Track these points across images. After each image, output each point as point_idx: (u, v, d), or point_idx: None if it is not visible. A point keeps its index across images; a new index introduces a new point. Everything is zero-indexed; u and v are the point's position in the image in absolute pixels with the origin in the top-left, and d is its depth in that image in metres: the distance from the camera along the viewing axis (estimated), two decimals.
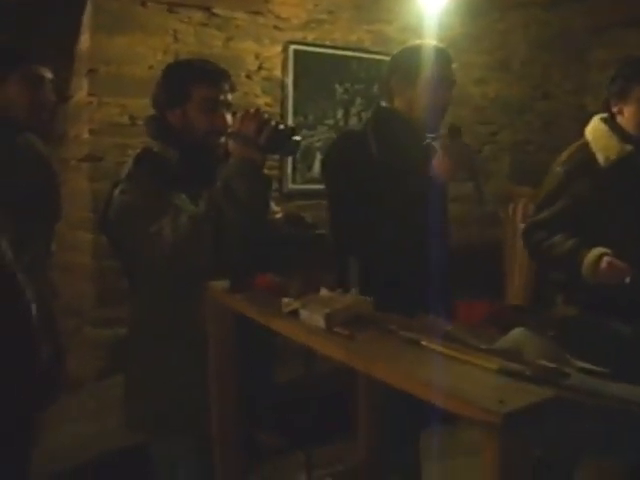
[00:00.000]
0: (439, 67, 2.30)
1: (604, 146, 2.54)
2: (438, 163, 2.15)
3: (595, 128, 2.62)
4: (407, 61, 2.33)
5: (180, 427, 2.06)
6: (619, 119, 2.55)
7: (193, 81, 2.05)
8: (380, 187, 2.13)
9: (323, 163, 2.50)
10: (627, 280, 2.29)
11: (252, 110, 2.02)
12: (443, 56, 2.34)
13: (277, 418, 3.38)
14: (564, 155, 2.66)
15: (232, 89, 2.15)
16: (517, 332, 1.39)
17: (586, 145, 2.60)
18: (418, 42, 2.41)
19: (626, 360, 2.27)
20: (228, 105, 2.11)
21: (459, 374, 1.23)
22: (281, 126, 1.99)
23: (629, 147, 2.50)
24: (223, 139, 2.07)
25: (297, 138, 2.02)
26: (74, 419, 2.37)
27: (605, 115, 2.62)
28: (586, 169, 2.54)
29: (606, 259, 2.33)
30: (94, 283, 3.60)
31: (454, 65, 2.38)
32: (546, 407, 1.11)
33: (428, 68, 2.28)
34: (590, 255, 2.37)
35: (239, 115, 1.98)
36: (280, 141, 1.97)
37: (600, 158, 2.53)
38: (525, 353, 1.31)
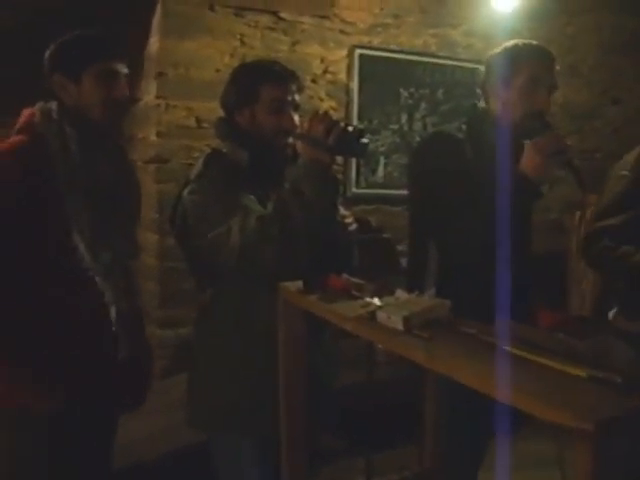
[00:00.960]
0: (537, 69, 2.17)
1: None
2: (526, 158, 2.05)
3: None
4: (502, 62, 2.22)
5: (243, 427, 2.07)
6: None
7: (261, 81, 2.07)
8: (472, 189, 2.07)
9: (411, 162, 2.42)
10: None
11: (321, 112, 2.02)
12: (543, 57, 2.22)
13: (339, 422, 3.38)
14: (630, 157, 2.55)
15: (300, 90, 2.15)
16: (601, 339, 1.35)
17: None
18: (516, 41, 2.27)
19: None
20: (296, 106, 2.12)
21: (545, 379, 1.20)
22: (350, 128, 1.98)
23: None
24: (291, 140, 2.08)
25: (365, 140, 2.01)
26: (140, 417, 2.39)
27: None
28: None
29: None
30: (159, 284, 3.65)
31: (557, 68, 2.25)
32: (638, 414, 1.07)
33: (524, 69, 2.16)
34: None
35: (309, 117, 1.98)
36: (348, 142, 1.96)
37: None
38: (612, 361, 1.27)
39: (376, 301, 1.50)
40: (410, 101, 4.07)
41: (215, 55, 3.69)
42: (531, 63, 2.17)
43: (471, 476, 2.44)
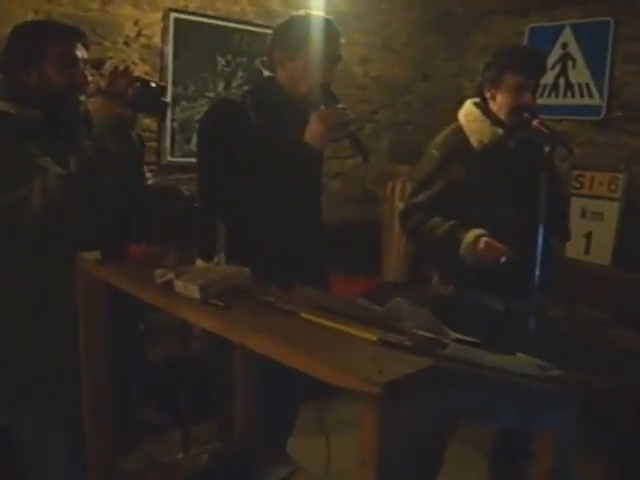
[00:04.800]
0: (323, 41, 2.22)
1: (477, 130, 2.60)
2: (311, 128, 2.13)
3: (468, 112, 2.68)
4: (289, 33, 2.25)
5: (46, 400, 2.00)
6: (491, 104, 2.62)
7: (47, 39, 1.99)
8: (255, 155, 2.09)
9: (199, 127, 2.39)
10: (502, 260, 2.36)
11: (121, 67, 1.97)
12: (329, 29, 2.26)
13: (156, 396, 3.31)
14: (439, 138, 2.70)
15: (87, 47, 2.09)
16: (395, 303, 1.39)
17: (460, 129, 2.66)
18: (303, 13, 2.31)
19: (499, 334, 2.36)
20: (84, 62, 2.06)
21: (338, 345, 1.22)
22: (152, 84, 2.00)
23: (500, 131, 2.58)
24: (82, 97, 2.04)
25: (166, 100, 2.02)
26: None
27: (477, 100, 2.69)
28: (460, 152, 2.60)
29: (484, 240, 2.39)
30: None
31: (342, 40, 2.31)
32: (425, 376, 1.11)
33: (311, 41, 2.20)
34: (468, 236, 2.43)
35: (108, 71, 1.93)
36: (150, 99, 1.98)
37: (473, 141, 2.59)
38: (403, 323, 1.32)
39: (175, 270, 1.46)
40: (227, 69, 4.00)
41: (18, 10, 3.42)
42: (316, 35, 2.21)
43: (281, 441, 2.48)
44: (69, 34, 2.03)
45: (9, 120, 1.91)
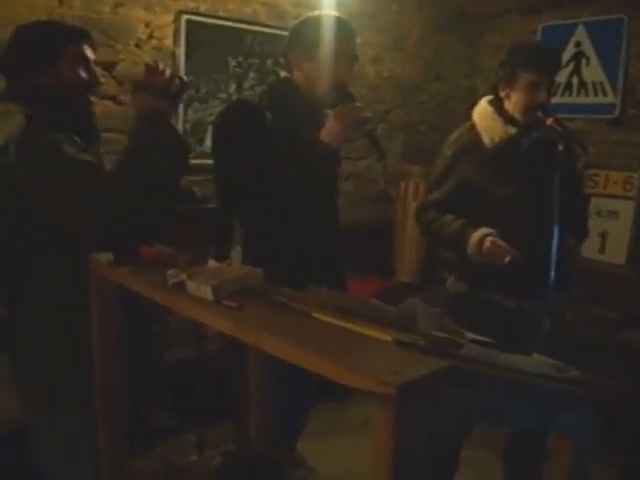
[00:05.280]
0: (339, 41, 2.21)
1: (489, 128, 2.59)
2: (328, 127, 2.13)
3: (482, 110, 2.67)
4: (305, 33, 2.24)
5: (65, 402, 1.99)
6: (506, 103, 2.61)
7: (61, 39, 1.98)
8: (272, 155, 2.09)
9: (214, 128, 2.39)
10: (507, 260, 2.35)
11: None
12: (345, 29, 2.25)
13: (170, 399, 3.31)
14: (452, 137, 2.71)
15: (94, 48, 2.09)
16: (410, 303, 1.38)
17: (473, 127, 2.65)
18: (318, 13, 2.30)
19: (511, 333, 2.34)
20: (94, 62, 2.07)
21: (352, 346, 1.21)
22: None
23: (513, 130, 2.57)
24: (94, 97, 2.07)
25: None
26: None
27: (491, 98, 2.68)
28: (472, 150, 2.59)
29: (489, 239, 2.38)
30: None
31: (357, 40, 2.29)
32: (440, 377, 1.10)
33: (327, 42, 2.19)
34: (475, 235, 2.43)
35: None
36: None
37: (485, 140, 2.58)
38: (418, 324, 1.30)
39: (187, 270, 1.45)
40: (239, 70, 4.00)
41: (29, 14, 3.43)
42: (333, 35, 2.20)
43: (292, 443, 2.48)
44: (79, 34, 2.03)
45: (41, 125, 1.84)
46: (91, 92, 2.04)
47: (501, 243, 2.37)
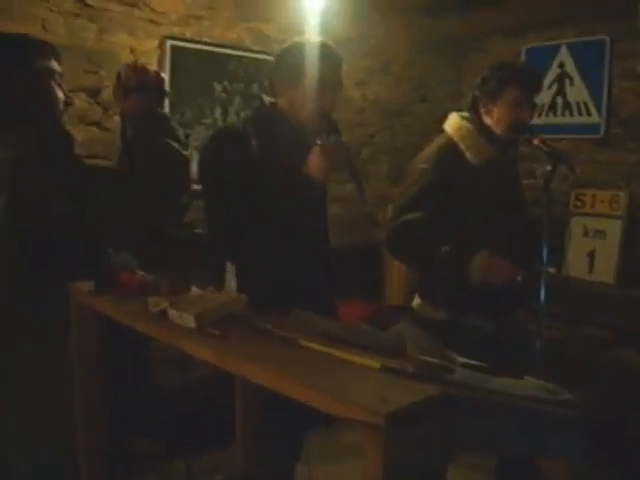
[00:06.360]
0: (324, 68, 2.19)
1: (474, 147, 2.57)
2: (312, 162, 2.09)
3: (460, 127, 2.62)
4: (289, 60, 2.23)
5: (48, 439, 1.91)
6: (486, 119, 2.59)
7: (31, 54, 1.91)
8: (258, 184, 2.06)
9: (200, 159, 2.35)
10: (519, 278, 2.35)
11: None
12: (330, 56, 2.23)
13: (156, 427, 3.26)
14: (429, 151, 2.63)
15: (59, 62, 2.01)
16: (398, 328, 1.36)
17: (452, 143, 2.60)
18: (303, 40, 2.28)
19: (493, 354, 2.32)
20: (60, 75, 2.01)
21: (339, 374, 1.18)
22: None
23: (493, 148, 2.56)
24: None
25: None
26: None
27: (465, 114, 2.65)
28: (455, 166, 2.55)
29: (496, 259, 2.36)
30: None
31: (343, 67, 2.27)
32: (430, 404, 1.07)
33: (311, 69, 2.17)
34: (479, 255, 2.37)
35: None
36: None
37: (470, 158, 2.56)
38: (407, 349, 1.27)
39: (169, 298, 1.42)
40: (224, 95, 3.99)
41: None
42: (316, 63, 2.18)
43: (287, 470, 2.42)
44: (48, 48, 1.97)
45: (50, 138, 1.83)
46: (64, 107, 1.99)
47: (509, 263, 2.37)
